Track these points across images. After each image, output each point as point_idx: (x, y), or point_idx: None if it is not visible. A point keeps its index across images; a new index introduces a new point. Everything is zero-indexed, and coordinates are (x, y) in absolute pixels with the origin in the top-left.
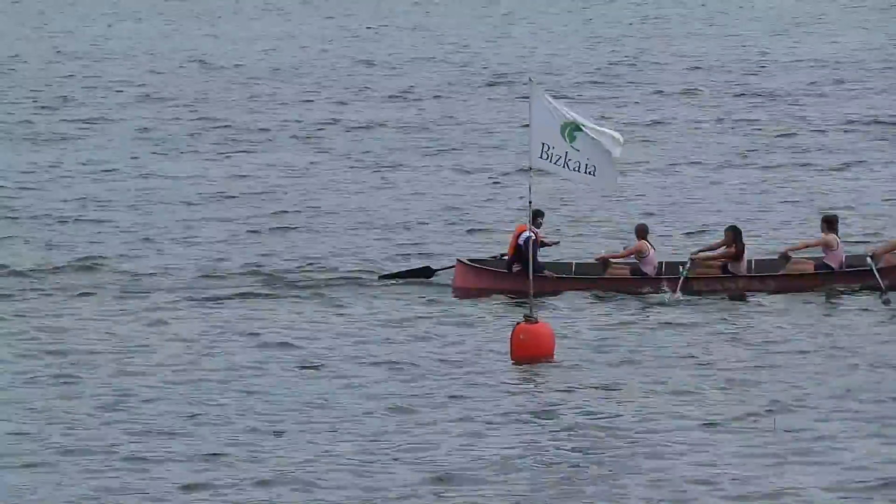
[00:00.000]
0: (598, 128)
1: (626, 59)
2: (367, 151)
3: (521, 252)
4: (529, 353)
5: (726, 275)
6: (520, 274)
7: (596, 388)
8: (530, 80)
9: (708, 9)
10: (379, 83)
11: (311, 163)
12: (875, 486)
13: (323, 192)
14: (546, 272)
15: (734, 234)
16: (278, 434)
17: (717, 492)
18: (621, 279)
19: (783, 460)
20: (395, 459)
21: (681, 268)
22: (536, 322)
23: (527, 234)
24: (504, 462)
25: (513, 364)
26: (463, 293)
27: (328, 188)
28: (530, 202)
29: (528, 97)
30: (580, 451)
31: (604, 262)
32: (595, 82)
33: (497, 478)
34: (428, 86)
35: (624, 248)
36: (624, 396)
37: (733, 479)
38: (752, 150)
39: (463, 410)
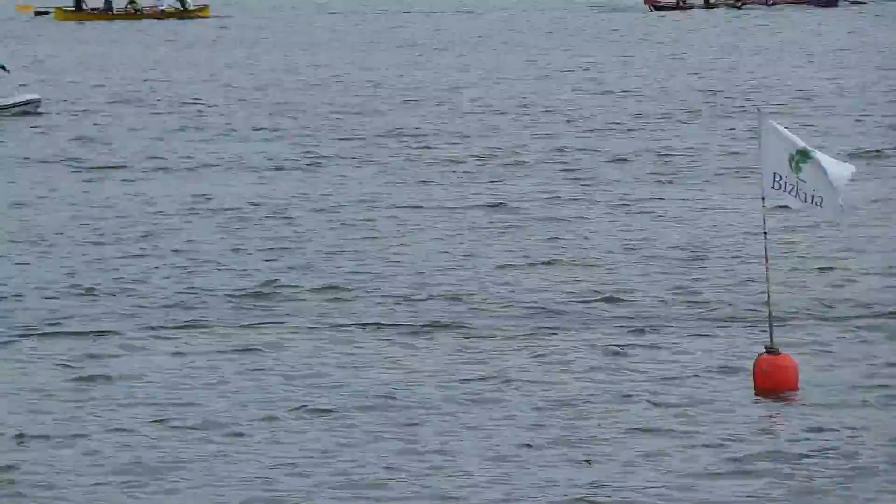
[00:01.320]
0: (827, 159)
1: None
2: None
3: None
4: (773, 386)
5: None
6: None
7: (841, 427)
8: (758, 110)
9: None
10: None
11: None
12: None
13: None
14: None
15: None
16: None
17: None
18: None
19: None
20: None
21: None
22: (778, 353)
23: None
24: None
25: (756, 398)
26: None
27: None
28: (765, 233)
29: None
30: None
31: None
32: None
33: None
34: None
35: None
36: (875, 438)
37: None
38: None
39: (700, 448)
